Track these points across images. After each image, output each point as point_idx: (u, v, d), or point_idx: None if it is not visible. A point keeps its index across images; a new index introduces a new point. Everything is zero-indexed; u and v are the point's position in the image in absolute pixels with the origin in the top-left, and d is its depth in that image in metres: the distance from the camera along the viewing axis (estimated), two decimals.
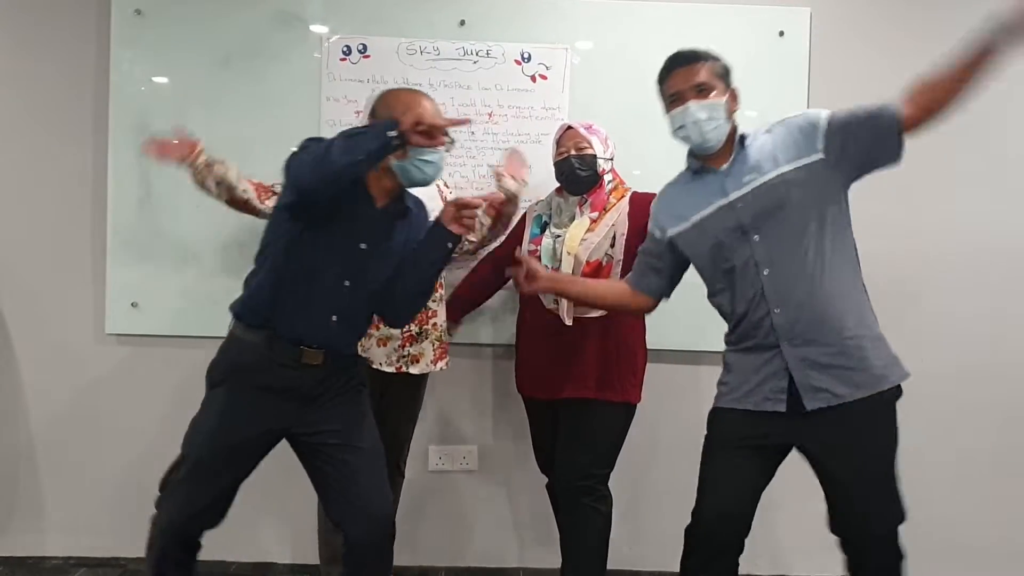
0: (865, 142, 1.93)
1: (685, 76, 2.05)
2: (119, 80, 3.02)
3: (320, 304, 2.07)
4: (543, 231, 2.58)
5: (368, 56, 3.04)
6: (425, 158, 2.01)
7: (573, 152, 2.52)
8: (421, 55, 3.04)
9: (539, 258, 2.49)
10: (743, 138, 2.06)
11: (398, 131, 1.85)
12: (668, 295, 2.22)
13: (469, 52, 3.05)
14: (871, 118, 1.92)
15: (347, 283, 2.08)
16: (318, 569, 3.06)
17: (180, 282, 3.04)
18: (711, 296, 2.12)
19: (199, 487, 2.07)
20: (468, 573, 3.13)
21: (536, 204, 2.72)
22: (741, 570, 3.07)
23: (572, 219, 2.53)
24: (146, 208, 3.03)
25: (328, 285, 2.07)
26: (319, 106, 3.03)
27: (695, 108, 2.01)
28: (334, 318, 2.09)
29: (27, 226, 3.07)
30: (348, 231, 2.06)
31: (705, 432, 2.16)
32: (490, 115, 3.04)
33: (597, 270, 2.46)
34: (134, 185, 3.03)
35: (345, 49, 3.03)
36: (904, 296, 3.11)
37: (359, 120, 3.00)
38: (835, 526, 2.05)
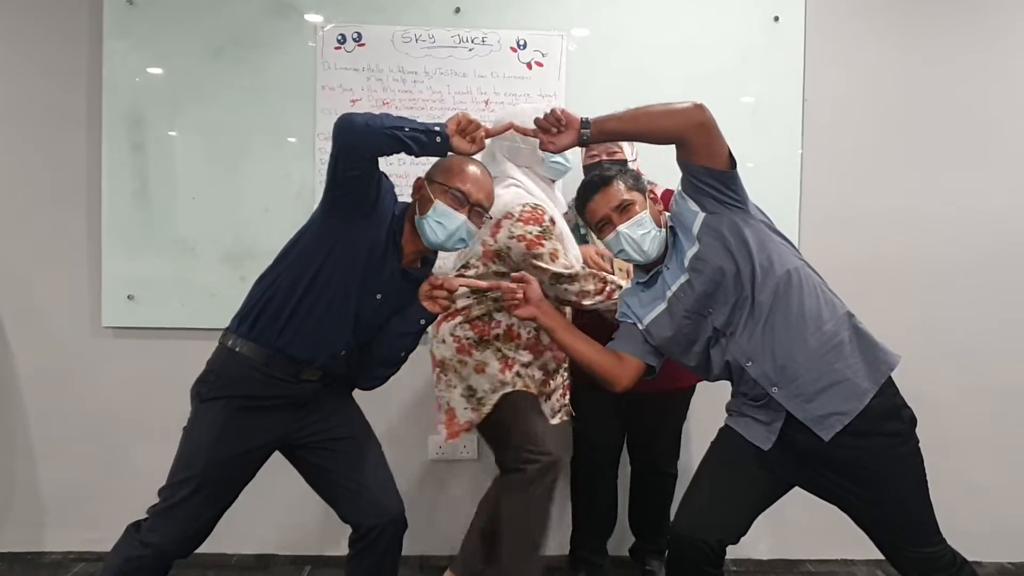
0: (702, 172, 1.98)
1: (604, 200, 2.09)
2: (112, 71, 3.00)
3: (333, 339, 2.07)
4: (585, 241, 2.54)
5: (363, 44, 3.02)
6: (439, 220, 2.03)
7: (604, 156, 2.51)
8: (416, 43, 3.02)
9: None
10: (673, 228, 2.09)
11: (443, 131, 1.93)
12: (655, 365, 2.12)
13: (464, 39, 3.03)
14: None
15: (353, 323, 2.09)
16: (318, 560, 3.07)
17: (176, 274, 3.03)
18: (687, 367, 2.12)
19: (203, 506, 2.02)
20: None
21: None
22: (741, 554, 3.11)
23: None
24: (141, 200, 3.02)
25: (340, 323, 2.06)
26: (314, 95, 3.01)
27: (626, 229, 2.05)
28: (343, 352, 2.10)
29: (21, 219, 3.05)
30: (371, 279, 2.06)
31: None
32: (486, 103, 3.02)
33: None
34: (128, 177, 3.01)
35: (340, 38, 3.02)
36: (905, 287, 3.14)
37: (354, 108, 2.99)
38: (890, 559, 2.06)
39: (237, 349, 2.06)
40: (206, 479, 2.01)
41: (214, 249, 3.03)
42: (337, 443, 2.14)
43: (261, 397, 2.05)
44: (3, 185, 3.05)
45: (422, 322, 2.13)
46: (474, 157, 2.08)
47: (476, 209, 2.08)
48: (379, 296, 2.09)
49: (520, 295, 2.12)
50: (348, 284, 2.04)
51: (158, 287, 3.03)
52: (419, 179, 2.12)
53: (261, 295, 2.07)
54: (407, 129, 1.90)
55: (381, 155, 1.95)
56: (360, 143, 1.90)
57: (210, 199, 3.03)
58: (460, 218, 2.04)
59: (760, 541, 3.13)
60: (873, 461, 1.94)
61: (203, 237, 3.03)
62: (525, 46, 3.04)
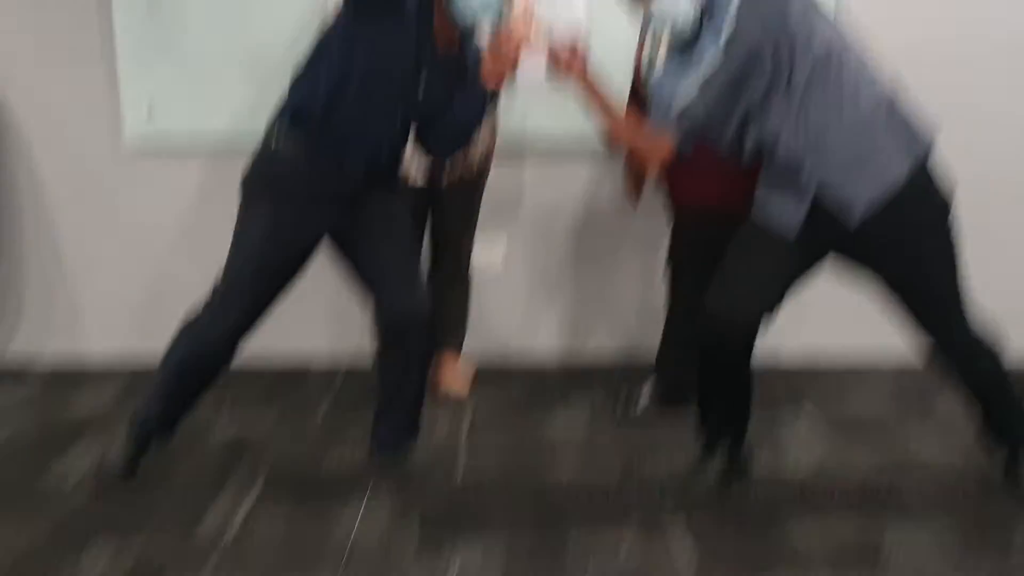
0: None
1: None
2: None
3: (376, 132, 2.07)
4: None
5: None
6: None
7: None
8: None
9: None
10: (710, 4, 1.94)
11: None
12: (685, 148, 2.06)
13: None
14: None
15: (400, 111, 2.08)
16: (347, 375, 3.12)
17: (196, 92, 2.98)
18: (720, 150, 2.05)
19: (257, 300, 2.11)
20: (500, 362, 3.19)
21: None
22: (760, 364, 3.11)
23: None
24: (155, 16, 2.93)
25: (382, 118, 2.06)
26: None
27: (660, 4, 1.93)
28: (386, 149, 2.11)
29: (36, 42, 3.00)
30: (409, 72, 2.04)
31: None
32: None
33: None
34: None
35: None
36: None
37: None
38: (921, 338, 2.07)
39: (280, 143, 2.07)
40: (259, 275, 2.10)
41: (232, 68, 2.95)
42: (373, 234, 2.18)
43: (305, 195, 2.09)
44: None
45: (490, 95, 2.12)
46: None
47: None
48: (422, 88, 2.07)
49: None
50: (385, 81, 2.02)
51: (177, 106, 2.99)
52: None
53: (300, 91, 2.06)
54: None
55: None
56: None
57: (225, 15, 2.94)
58: None
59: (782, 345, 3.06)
60: (901, 243, 1.94)
61: (219, 55, 2.95)
62: None
